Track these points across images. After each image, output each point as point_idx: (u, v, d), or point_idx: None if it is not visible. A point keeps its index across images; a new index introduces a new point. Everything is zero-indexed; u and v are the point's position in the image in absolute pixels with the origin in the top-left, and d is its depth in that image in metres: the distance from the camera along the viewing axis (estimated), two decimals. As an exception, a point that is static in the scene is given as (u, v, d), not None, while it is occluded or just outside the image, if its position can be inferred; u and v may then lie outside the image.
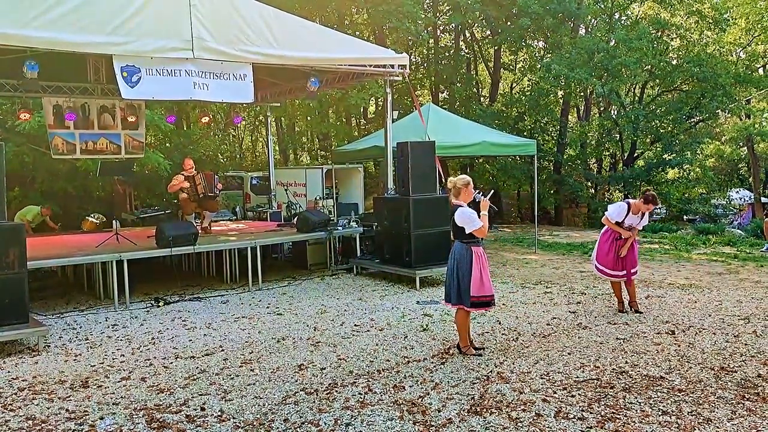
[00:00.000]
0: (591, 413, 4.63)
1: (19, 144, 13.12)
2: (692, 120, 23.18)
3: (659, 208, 21.84)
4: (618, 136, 22.97)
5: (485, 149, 13.51)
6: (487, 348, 6.28)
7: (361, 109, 25.69)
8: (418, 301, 8.55)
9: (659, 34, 22.14)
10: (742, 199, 26.64)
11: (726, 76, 20.35)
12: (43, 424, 4.67)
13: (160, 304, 8.70)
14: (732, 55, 24.81)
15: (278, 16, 9.46)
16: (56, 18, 7.56)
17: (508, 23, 21.95)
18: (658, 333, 6.73)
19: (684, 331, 6.78)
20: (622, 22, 23.25)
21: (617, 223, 7.46)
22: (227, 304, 8.75)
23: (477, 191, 6.19)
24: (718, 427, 4.36)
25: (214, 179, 11.16)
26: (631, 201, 7.59)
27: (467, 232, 5.92)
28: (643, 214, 7.46)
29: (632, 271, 7.56)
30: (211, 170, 11.97)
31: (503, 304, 8.16)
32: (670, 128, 22.24)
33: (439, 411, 4.74)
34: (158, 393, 5.27)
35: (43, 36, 7.46)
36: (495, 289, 6.33)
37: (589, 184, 24.83)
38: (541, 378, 5.40)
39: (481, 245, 6.07)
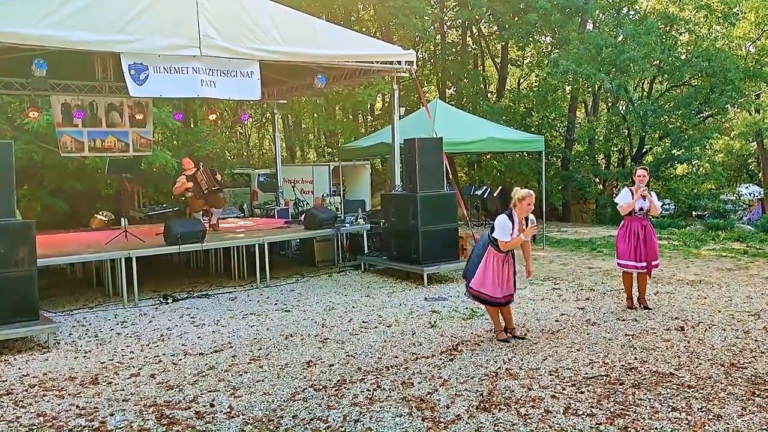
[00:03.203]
0: (600, 409, 4.62)
1: (28, 142, 13.19)
2: (701, 115, 23.01)
3: (668, 203, 21.73)
4: (626, 131, 22.83)
5: (492, 145, 13.47)
6: (495, 344, 6.28)
7: (368, 106, 25.66)
8: (425, 298, 8.55)
9: (668, 28, 21.96)
10: (752, 195, 26.43)
11: (735, 71, 20.17)
12: (53, 420, 4.70)
13: (168, 301, 8.74)
14: (741, 50, 24.59)
15: (285, 13, 9.46)
16: (64, 17, 7.60)
17: (516, 19, 21.87)
18: (668, 329, 6.70)
19: (693, 328, 6.75)
20: (630, 16, 23.10)
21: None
22: (235, 301, 8.77)
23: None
24: (728, 424, 4.34)
25: (211, 173, 11.13)
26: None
27: (492, 234, 6.19)
28: (650, 194, 7.49)
29: (653, 263, 7.53)
30: (210, 166, 11.97)
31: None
32: (678, 123, 22.09)
33: (448, 407, 4.73)
34: (167, 389, 5.29)
35: (51, 34, 7.51)
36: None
37: (597, 180, 24.71)
38: (550, 374, 5.38)
39: (501, 252, 6.20)
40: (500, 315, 6.48)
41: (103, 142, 11.86)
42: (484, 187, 18.76)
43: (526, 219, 6.17)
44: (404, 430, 4.38)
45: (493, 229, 6.23)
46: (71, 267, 10.68)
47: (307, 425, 4.51)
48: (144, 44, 8.12)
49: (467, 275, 6.45)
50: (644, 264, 7.45)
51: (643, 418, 4.46)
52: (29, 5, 7.47)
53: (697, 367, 5.49)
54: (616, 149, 25.03)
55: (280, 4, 9.54)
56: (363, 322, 7.37)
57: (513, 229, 6.10)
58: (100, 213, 12.75)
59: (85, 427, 4.59)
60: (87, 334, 7.16)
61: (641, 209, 7.47)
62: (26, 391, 5.35)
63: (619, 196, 7.73)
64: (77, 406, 4.96)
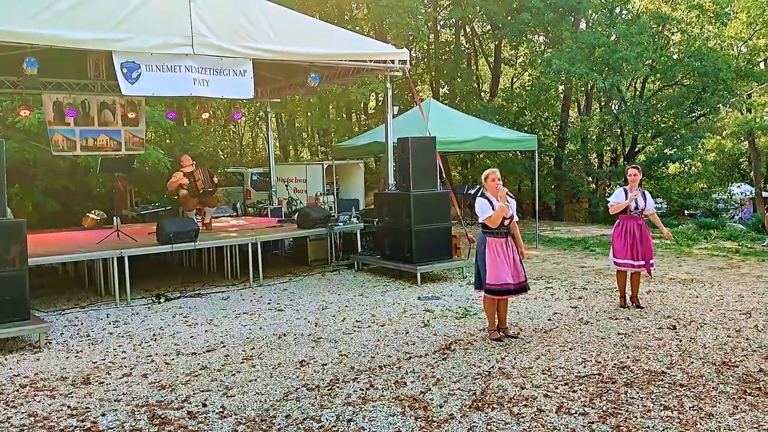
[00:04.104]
0: (592, 408, 4.63)
1: (20, 141, 13.12)
2: (693, 114, 23.14)
3: (660, 203, 21.86)
4: (619, 130, 22.92)
5: (486, 144, 13.49)
6: (488, 343, 6.29)
7: (362, 105, 25.67)
8: (419, 297, 8.55)
9: (660, 28, 22.07)
10: (743, 194, 26.63)
11: (727, 71, 20.28)
12: (45, 421, 4.67)
13: (161, 300, 8.71)
14: (733, 50, 24.73)
15: (278, 12, 9.44)
16: (56, 14, 7.54)
17: (509, 18, 21.91)
18: (660, 328, 6.73)
19: (685, 326, 6.77)
20: (623, 16, 23.19)
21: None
22: (228, 300, 8.75)
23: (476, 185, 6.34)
24: (719, 422, 4.36)
25: (209, 174, 11.18)
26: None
27: (479, 220, 6.25)
28: (643, 193, 7.53)
29: (650, 261, 7.52)
30: (210, 166, 11.99)
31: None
32: (671, 123, 22.21)
33: (441, 406, 4.73)
34: (160, 389, 5.27)
35: (43, 33, 7.45)
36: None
37: (590, 179, 24.80)
38: (543, 373, 5.39)
39: (501, 236, 6.26)
40: (496, 313, 6.48)
41: (96, 140, 11.79)
42: (478, 186, 18.77)
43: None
44: (397, 429, 4.38)
45: (481, 223, 6.31)
46: (63, 266, 10.62)
47: (300, 425, 4.50)
48: (136, 42, 8.07)
49: (480, 280, 6.33)
50: (642, 263, 7.45)
51: (636, 416, 4.47)
52: (19, 3, 7.42)
53: (689, 365, 5.52)
54: (608, 148, 25.14)
55: (273, 2, 9.52)
56: (356, 321, 7.37)
57: (491, 203, 6.18)
58: (92, 212, 12.70)
59: (76, 427, 4.57)
60: (79, 334, 7.12)
61: (636, 208, 7.48)
62: (17, 391, 5.32)
63: (613, 196, 7.75)
64: (69, 407, 4.94)
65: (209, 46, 8.61)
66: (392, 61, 10.55)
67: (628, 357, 5.77)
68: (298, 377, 5.47)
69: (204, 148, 20.07)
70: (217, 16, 8.69)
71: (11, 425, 4.62)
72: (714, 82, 20.55)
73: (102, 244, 9.13)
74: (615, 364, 5.60)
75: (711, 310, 7.46)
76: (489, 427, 4.38)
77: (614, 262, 7.62)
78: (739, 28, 24.63)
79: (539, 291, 8.77)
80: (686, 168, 23.79)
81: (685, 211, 23.64)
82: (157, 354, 6.28)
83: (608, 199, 7.93)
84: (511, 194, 6.37)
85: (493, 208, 6.16)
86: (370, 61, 10.41)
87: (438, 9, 24.29)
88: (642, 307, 7.57)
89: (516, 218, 6.41)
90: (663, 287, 8.81)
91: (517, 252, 6.37)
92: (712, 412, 4.52)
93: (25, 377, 5.66)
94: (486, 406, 4.72)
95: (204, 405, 4.90)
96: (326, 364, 5.79)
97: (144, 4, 8.12)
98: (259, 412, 4.74)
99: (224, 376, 5.57)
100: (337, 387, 5.21)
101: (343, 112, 25.66)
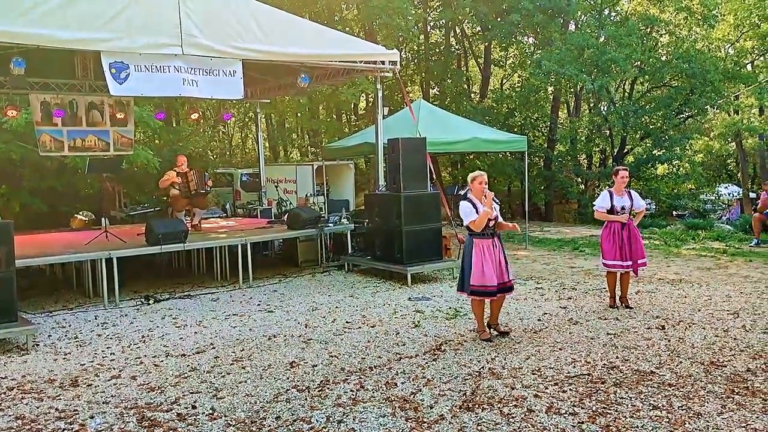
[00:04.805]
0: (582, 408, 4.65)
1: (7, 141, 13.00)
2: (681, 116, 23.30)
3: (649, 203, 21.98)
4: (608, 132, 23.05)
5: (476, 145, 13.52)
6: (478, 343, 6.30)
7: (352, 106, 25.64)
8: (409, 298, 8.55)
9: (648, 30, 22.21)
10: (731, 195, 26.82)
11: (715, 72, 20.45)
12: (32, 424, 4.63)
13: (150, 302, 8.66)
14: (721, 51, 24.93)
15: (268, 12, 9.42)
16: (44, 14, 7.48)
17: (499, 19, 21.98)
18: (649, 328, 6.76)
19: (674, 326, 6.81)
20: (612, 18, 23.34)
21: (609, 212, 7.49)
22: (218, 301, 8.71)
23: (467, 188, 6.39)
24: (708, 422, 4.39)
25: (203, 176, 11.17)
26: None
27: (464, 224, 6.27)
28: (629, 193, 7.53)
29: (639, 261, 7.51)
30: (201, 167, 11.94)
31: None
32: (659, 124, 22.36)
33: (431, 407, 4.74)
34: (149, 391, 5.24)
35: (30, 32, 7.39)
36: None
37: (579, 180, 24.92)
38: (533, 373, 5.41)
39: (487, 237, 6.27)
40: (486, 311, 6.47)
41: (84, 141, 11.71)
42: (468, 188, 18.81)
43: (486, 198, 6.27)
44: (388, 430, 4.38)
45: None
46: (51, 268, 10.54)
47: (290, 426, 4.49)
48: (125, 42, 8.02)
49: (463, 281, 6.34)
50: (629, 263, 7.47)
51: (625, 416, 4.49)
52: (6, 2, 7.35)
53: (677, 365, 5.55)
54: (597, 149, 25.28)
55: (263, 2, 9.50)
56: (346, 322, 7.36)
57: (476, 207, 6.21)
58: (81, 213, 12.60)
59: (64, 430, 4.53)
60: (67, 336, 7.07)
61: (623, 208, 7.50)
62: (4, 393, 5.27)
63: (599, 199, 7.71)
64: (57, 409, 4.90)
65: (198, 47, 8.58)
66: (382, 62, 10.55)
67: (617, 357, 5.80)
68: (288, 378, 5.46)
69: (193, 148, 19.98)
70: (207, 16, 8.65)
71: (-2, 428, 4.58)
72: (702, 83, 20.71)
73: (90, 245, 9.07)
74: (604, 364, 5.62)
75: (699, 310, 7.51)
76: (479, 427, 4.38)
77: (603, 263, 7.64)
78: (726, 30, 24.83)
79: (529, 291, 8.80)
80: (674, 169, 23.94)
81: (674, 212, 23.78)
82: (146, 356, 6.25)
83: (594, 203, 7.91)
84: (496, 199, 6.38)
85: (477, 212, 6.16)
86: (361, 61, 10.40)
87: (428, 10, 24.32)
88: (631, 308, 7.61)
89: (500, 219, 6.43)
90: (652, 287, 8.86)
91: (503, 252, 6.38)
92: (700, 412, 4.55)
93: (12, 380, 5.61)
94: (476, 406, 4.73)
95: (194, 407, 4.88)
96: (316, 366, 5.78)
97: (133, 3, 8.07)
98: (249, 414, 4.72)
99: (214, 377, 5.54)
100: (328, 388, 5.20)
101: (333, 112, 25.63)
